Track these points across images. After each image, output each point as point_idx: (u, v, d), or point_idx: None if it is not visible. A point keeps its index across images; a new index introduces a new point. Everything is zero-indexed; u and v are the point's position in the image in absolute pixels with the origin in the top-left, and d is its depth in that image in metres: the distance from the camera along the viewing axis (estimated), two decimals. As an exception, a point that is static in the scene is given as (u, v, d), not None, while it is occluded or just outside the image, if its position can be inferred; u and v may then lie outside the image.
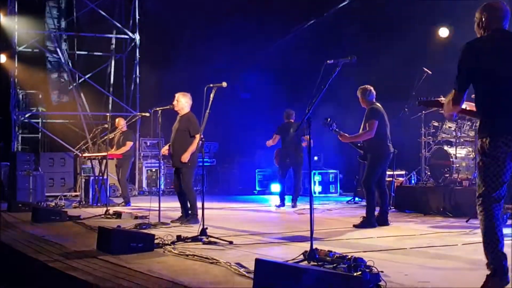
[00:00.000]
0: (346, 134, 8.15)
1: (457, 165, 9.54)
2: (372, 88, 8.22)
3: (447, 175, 9.60)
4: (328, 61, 5.20)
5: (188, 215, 8.61)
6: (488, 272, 3.82)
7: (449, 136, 10.00)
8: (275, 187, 15.90)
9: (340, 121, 8.39)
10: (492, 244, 3.81)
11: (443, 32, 12.00)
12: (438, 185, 9.69)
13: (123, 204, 12.09)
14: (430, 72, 10.26)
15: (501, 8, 4.12)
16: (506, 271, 3.78)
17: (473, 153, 9.49)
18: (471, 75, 4.02)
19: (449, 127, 9.89)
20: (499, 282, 3.76)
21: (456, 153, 9.60)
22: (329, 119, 7.98)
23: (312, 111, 4.94)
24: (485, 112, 4.00)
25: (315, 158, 15.02)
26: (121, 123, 12.77)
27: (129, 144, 12.36)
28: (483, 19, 4.13)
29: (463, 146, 9.91)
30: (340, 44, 13.72)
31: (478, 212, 3.95)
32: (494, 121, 3.91)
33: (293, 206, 11.46)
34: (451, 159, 9.55)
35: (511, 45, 4.00)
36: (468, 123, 9.69)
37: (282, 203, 11.61)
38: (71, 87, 17.00)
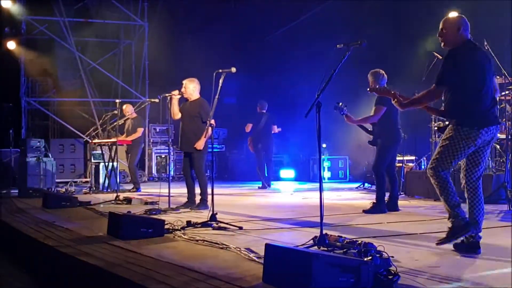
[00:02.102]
0: (353, 117, 8.07)
1: (468, 150, 9.46)
2: (383, 72, 8.13)
3: (458, 160, 9.52)
4: (337, 45, 5.15)
5: (193, 200, 8.62)
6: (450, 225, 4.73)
7: (459, 121, 9.89)
8: (285, 173, 15.99)
9: (351, 106, 8.31)
10: (454, 202, 4.76)
11: (454, 16, 11.85)
12: (448, 171, 9.63)
13: (133, 190, 12.15)
14: (440, 57, 10.15)
15: (467, 21, 4.96)
16: (479, 224, 4.74)
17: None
18: (458, 76, 4.71)
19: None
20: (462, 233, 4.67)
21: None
22: (340, 103, 7.87)
23: (321, 96, 4.90)
24: (467, 109, 4.73)
25: (324, 145, 15.01)
26: (127, 109, 12.78)
27: (140, 130, 12.43)
28: (460, 30, 4.86)
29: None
30: (348, 29, 13.62)
31: (437, 181, 4.80)
32: (474, 116, 4.71)
33: (268, 186, 13.07)
34: (462, 144, 9.47)
35: (483, 54, 4.89)
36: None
37: (268, 185, 13.11)
38: (80, 73, 17.02)
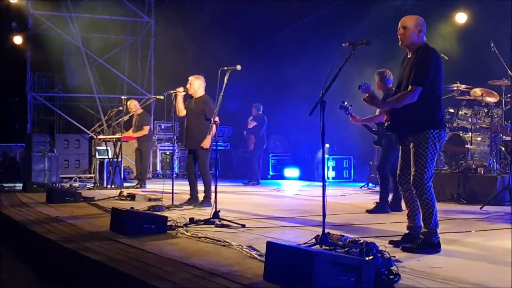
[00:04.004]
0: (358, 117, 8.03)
1: (473, 152, 9.44)
2: (390, 72, 8.10)
3: (462, 161, 9.51)
4: (343, 44, 5.14)
5: (196, 197, 8.63)
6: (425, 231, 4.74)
7: (464, 122, 9.87)
8: (289, 172, 15.99)
9: (356, 106, 8.28)
10: (435, 214, 4.75)
11: (461, 17, 11.83)
12: (453, 172, 9.61)
13: (138, 186, 12.17)
14: (447, 58, 10.10)
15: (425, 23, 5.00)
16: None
17: (489, 140, 9.40)
18: (436, 78, 4.79)
19: (465, 113, 9.76)
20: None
21: (471, 139, 9.50)
22: (346, 103, 7.82)
23: (327, 95, 4.89)
24: (435, 111, 4.84)
25: (327, 145, 14.99)
26: (131, 105, 12.79)
27: (146, 128, 12.50)
28: (422, 32, 4.93)
29: (478, 133, 9.80)
30: (354, 30, 13.59)
31: (426, 192, 4.74)
32: (441, 118, 4.88)
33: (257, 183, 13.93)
34: (467, 146, 9.46)
35: None
36: (485, 109, 9.57)
37: (258, 181, 14.02)
38: (86, 69, 17.03)
